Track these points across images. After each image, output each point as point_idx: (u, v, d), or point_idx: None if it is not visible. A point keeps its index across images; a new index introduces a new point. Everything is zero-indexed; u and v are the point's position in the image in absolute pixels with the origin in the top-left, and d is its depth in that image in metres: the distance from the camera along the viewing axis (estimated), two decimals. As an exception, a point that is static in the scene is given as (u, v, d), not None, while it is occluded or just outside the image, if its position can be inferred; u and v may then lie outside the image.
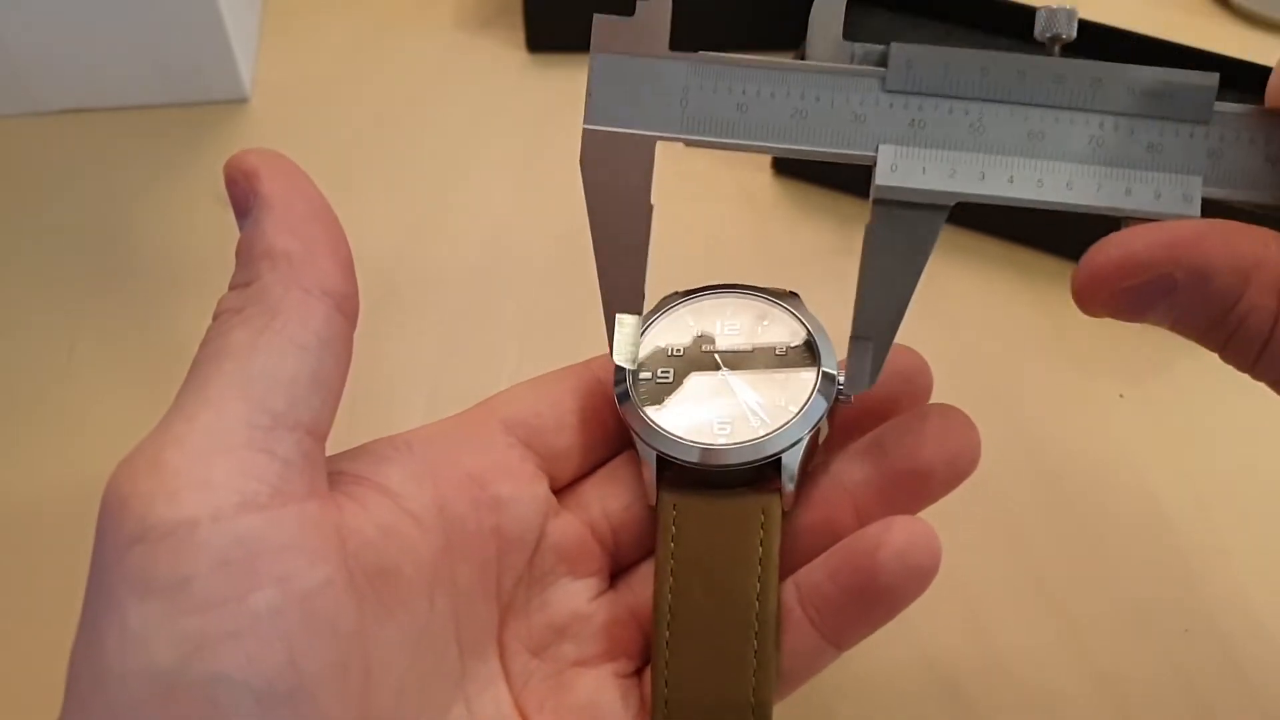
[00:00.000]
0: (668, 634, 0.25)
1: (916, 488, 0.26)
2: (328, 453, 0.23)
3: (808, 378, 0.27)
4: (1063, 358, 0.40)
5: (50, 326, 0.40)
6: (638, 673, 0.26)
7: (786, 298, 0.28)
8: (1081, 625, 0.33)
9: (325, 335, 0.22)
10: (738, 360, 0.27)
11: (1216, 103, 0.23)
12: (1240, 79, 0.21)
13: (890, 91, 0.23)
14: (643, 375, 0.27)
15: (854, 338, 0.25)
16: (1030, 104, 0.23)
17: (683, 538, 0.25)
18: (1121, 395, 0.39)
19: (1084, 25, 0.45)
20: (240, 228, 0.23)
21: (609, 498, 0.27)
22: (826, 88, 0.24)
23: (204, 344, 0.22)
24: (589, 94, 0.24)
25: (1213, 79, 0.23)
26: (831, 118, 0.24)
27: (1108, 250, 0.22)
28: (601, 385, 0.27)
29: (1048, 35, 0.23)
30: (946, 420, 0.26)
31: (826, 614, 0.25)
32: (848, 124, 0.24)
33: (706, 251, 0.43)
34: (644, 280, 0.25)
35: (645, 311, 0.26)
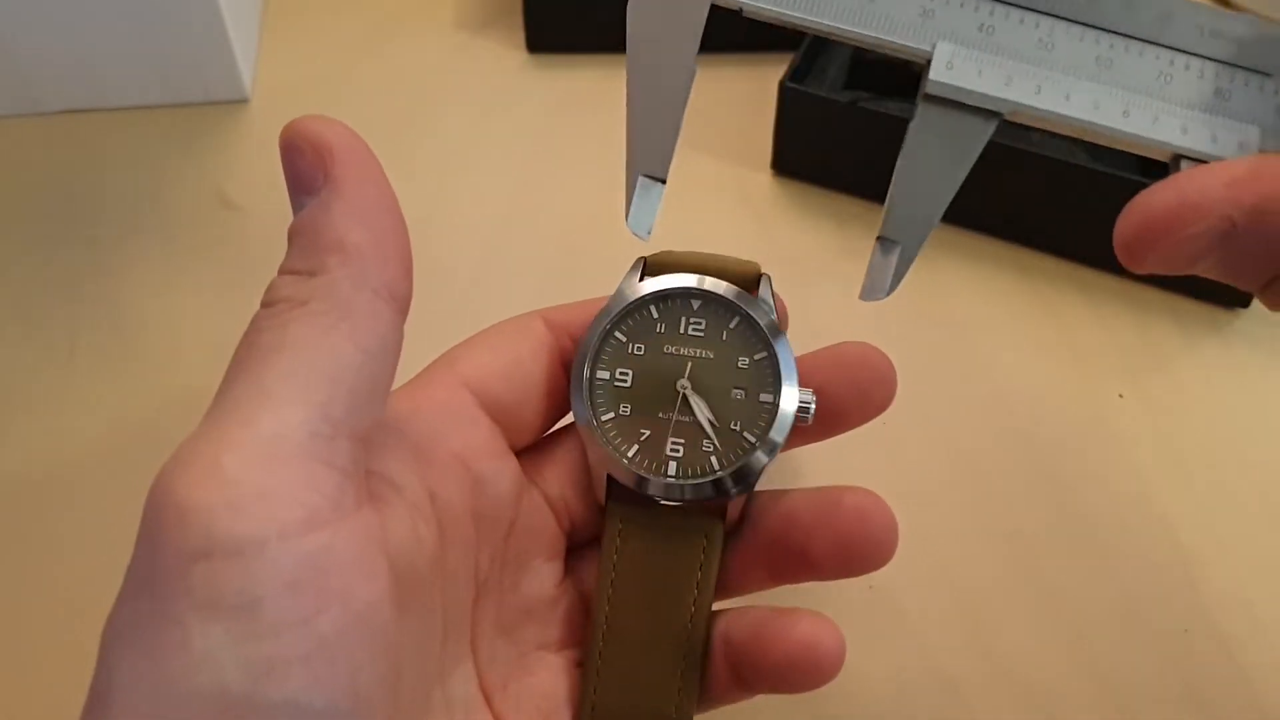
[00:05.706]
0: (602, 644, 0.26)
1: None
2: None
3: (767, 400, 0.26)
4: (1063, 358, 0.39)
5: (51, 326, 0.40)
6: (581, 664, 0.26)
7: (752, 300, 0.26)
8: (1081, 625, 0.33)
9: (389, 342, 0.21)
10: (697, 369, 0.26)
11: None
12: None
13: None
14: (600, 374, 0.26)
15: (881, 239, 0.23)
16: (1101, 28, 0.23)
17: (625, 552, 0.26)
18: (1121, 395, 0.39)
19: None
20: (297, 204, 0.21)
21: (565, 480, 0.27)
22: None
23: (257, 329, 0.20)
24: None
25: None
26: (900, 6, 0.23)
27: (1162, 196, 0.20)
28: (560, 348, 0.27)
29: None
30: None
31: (743, 671, 0.25)
32: (914, 16, 0.23)
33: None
34: (674, 144, 0.24)
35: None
